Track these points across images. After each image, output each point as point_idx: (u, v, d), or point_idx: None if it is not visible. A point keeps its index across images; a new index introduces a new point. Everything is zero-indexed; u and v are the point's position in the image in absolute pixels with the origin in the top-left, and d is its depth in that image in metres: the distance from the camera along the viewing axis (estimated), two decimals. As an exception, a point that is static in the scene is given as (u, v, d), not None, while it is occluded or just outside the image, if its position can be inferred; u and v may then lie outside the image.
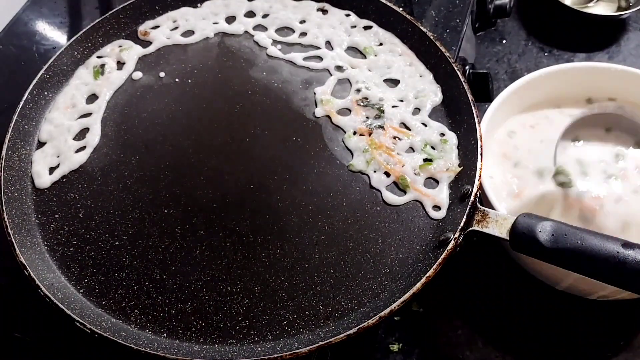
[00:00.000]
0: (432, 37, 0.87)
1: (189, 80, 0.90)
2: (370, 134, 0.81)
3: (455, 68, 0.83)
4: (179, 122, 0.85)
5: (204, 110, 0.86)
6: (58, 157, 0.82)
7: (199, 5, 0.98)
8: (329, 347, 0.63)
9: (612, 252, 0.59)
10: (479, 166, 0.73)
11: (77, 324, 0.65)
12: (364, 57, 0.91)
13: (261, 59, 0.92)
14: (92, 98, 0.88)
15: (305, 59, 0.91)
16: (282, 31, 0.95)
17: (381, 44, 0.92)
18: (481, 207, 0.70)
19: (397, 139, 0.81)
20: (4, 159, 0.79)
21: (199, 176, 0.80)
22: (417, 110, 0.84)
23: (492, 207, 0.75)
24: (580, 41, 1.15)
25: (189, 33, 0.96)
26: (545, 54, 1.15)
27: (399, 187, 0.77)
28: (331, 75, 0.89)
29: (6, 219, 0.74)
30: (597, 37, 1.16)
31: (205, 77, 0.90)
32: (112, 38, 0.95)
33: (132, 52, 0.92)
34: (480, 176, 0.73)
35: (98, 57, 0.93)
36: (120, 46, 0.94)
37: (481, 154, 0.74)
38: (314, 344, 0.63)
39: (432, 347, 0.83)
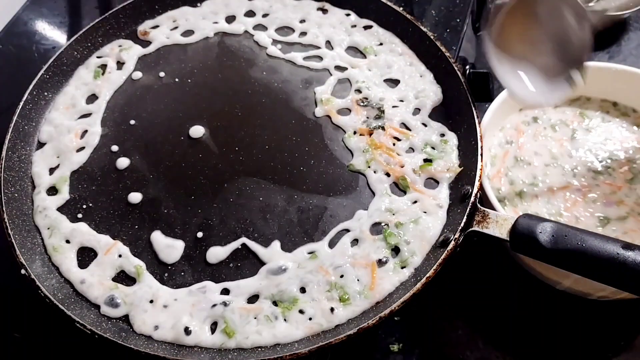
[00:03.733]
0: (432, 37, 0.86)
1: (189, 80, 0.90)
2: (370, 134, 0.81)
3: (456, 68, 0.83)
4: (179, 122, 0.85)
5: (203, 110, 0.86)
6: (58, 157, 0.82)
7: (198, 4, 0.98)
8: (329, 347, 0.63)
9: (612, 253, 0.59)
10: (479, 166, 0.73)
11: (77, 324, 0.65)
12: (364, 56, 0.90)
13: (261, 59, 0.92)
14: (92, 98, 0.88)
15: (305, 58, 0.91)
16: (282, 30, 0.95)
17: (381, 44, 0.91)
18: (481, 207, 0.70)
19: (397, 139, 0.81)
20: (4, 159, 0.79)
21: (198, 176, 0.80)
22: (417, 110, 0.84)
23: (492, 208, 0.75)
24: (581, 41, 1.15)
25: (188, 33, 0.95)
26: (546, 54, 1.14)
27: (399, 187, 0.77)
28: (331, 74, 0.88)
29: (6, 219, 0.74)
30: (598, 36, 1.15)
31: (205, 76, 0.90)
32: (112, 38, 0.95)
33: (132, 52, 0.92)
34: (480, 176, 0.72)
35: (98, 57, 0.93)
36: (120, 46, 0.94)
37: (481, 154, 0.74)
38: (314, 345, 0.63)
39: (432, 347, 0.83)
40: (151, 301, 0.69)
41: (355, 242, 0.73)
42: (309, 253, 0.72)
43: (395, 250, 0.71)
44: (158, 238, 0.74)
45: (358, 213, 0.75)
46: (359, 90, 0.86)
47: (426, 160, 0.78)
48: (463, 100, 0.80)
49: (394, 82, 0.87)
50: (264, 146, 0.82)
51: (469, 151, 0.77)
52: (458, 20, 0.99)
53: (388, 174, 0.78)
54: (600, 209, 0.81)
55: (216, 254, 0.73)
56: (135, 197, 0.78)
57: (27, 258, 0.72)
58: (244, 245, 0.73)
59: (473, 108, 0.78)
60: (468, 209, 0.69)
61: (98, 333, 0.65)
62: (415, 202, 0.75)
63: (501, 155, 0.87)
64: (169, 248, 0.73)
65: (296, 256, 0.72)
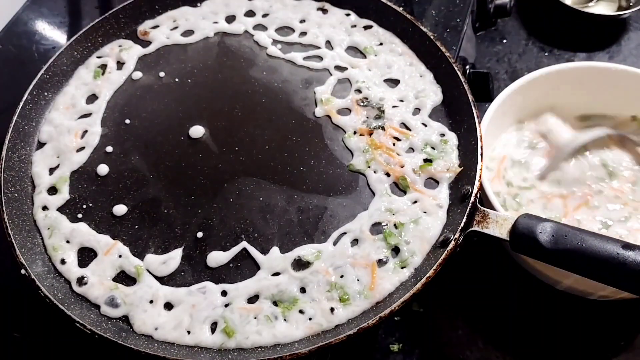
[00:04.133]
0: (432, 37, 0.86)
1: (189, 80, 0.90)
2: (370, 134, 0.81)
3: (456, 68, 0.83)
4: (178, 122, 0.85)
5: (203, 110, 0.86)
6: (58, 157, 0.82)
7: (198, 4, 0.98)
8: (329, 347, 0.63)
9: (612, 253, 0.59)
10: (479, 166, 0.73)
11: (77, 324, 0.65)
12: (364, 56, 0.90)
13: (261, 59, 0.91)
14: (92, 98, 0.88)
15: (305, 58, 0.91)
16: (282, 30, 0.95)
17: (381, 44, 0.91)
18: (481, 207, 0.70)
19: (397, 139, 0.81)
20: (4, 159, 0.79)
21: (198, 176, 0.80)
22: (417, 110, 0.84)
23: (492, 208, 0.75)
24: (581, 41, 1.15)
25: (188, 33, 0.95)
26: (546, 54, 1.15)
27: (399, 187, 0.77)
28: (331, 74, 0.88)
29: (6, 219, 0.74)
30: (598, 36, 1.16)
31: (205, 76, 0.90)
32: (112, 38, 0.95)
33: (132, 52, 0.92)
34: (480, 177, 0.72)
35: (98, 57, 0.93)
36: (120, 46, 0.94)
37: (481, 155, 0.74)
38: (314, 345, 0.63)
39: (432, 347, 0.83)
40: (151, 301, 0.69)
41: (355, 242, 0.73)
42: (311, 253, 0.72)
43: (395, 250, 0.71)
44: (150, 259, 0.73)
45: (358, 213, 0.75)
46: (359, 90, 0.86)
47: (426, 160, 0.78)
48: (463, 100, 0.80)
49: (394, 82, 0.87)
50: (264, 146, 0.82)
51: (469, 151, 0.77)
52: (458, 20, 0.99)
53: (388, 174, 0.78)
54: (603, 212, 0.81)
55: (216, 258, 0.73)
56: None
57: (27, 258, 0.71)
58: (244, 249, 0.73)
59: (473, 108, 0.78)
60: (468, 209, 0.69)
61: (98, 333, 0.65)
62: (415, 202, 0.75)
63: (499, 158, 0.87)
64: (163, 265, 0.73)
65: (295, 254, 0.72)
